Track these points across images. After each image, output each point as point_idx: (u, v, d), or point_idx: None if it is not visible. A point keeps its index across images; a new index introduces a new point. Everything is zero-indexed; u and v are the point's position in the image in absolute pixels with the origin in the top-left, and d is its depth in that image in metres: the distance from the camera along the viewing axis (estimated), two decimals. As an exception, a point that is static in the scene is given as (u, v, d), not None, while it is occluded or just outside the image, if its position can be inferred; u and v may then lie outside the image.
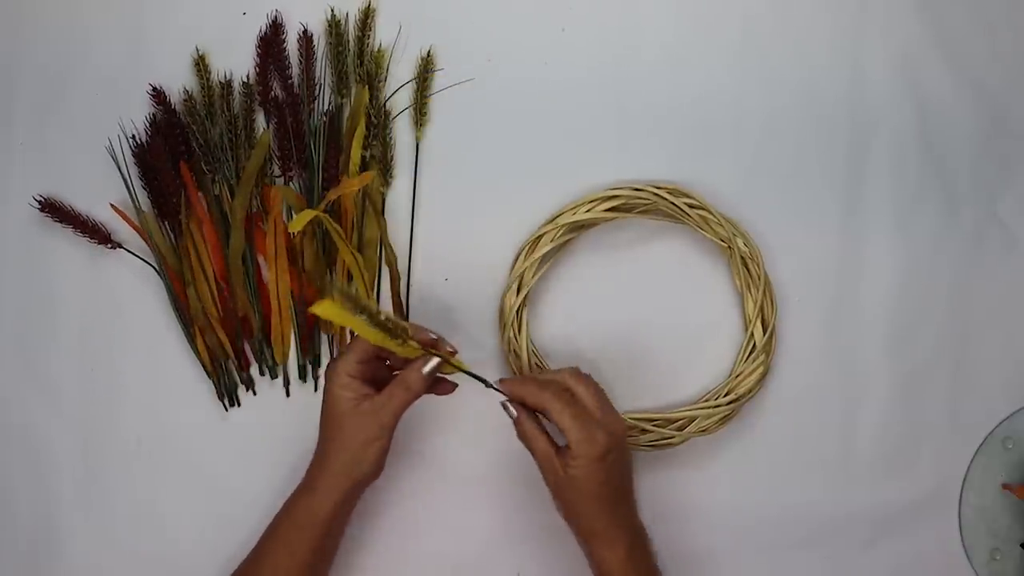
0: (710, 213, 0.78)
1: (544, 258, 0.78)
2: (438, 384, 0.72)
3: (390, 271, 0.80)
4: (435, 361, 0.69)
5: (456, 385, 0.72)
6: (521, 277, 0.78)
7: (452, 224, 0.81)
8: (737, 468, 0.81)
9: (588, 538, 0.70)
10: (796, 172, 0.82)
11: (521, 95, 0.82)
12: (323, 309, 0.63)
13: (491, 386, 0.70)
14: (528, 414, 0.70)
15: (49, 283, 0.81)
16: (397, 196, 0.82)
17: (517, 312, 0.78)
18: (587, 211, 0.78)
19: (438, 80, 0.82)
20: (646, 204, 0.79)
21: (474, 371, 0.70)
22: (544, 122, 0.82)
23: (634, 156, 0.82)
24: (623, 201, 0.78)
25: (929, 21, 0.83)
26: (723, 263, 0.82)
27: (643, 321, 0.81)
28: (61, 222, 0.79)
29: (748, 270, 0.79)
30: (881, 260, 0.82)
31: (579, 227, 0.80)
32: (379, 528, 0.80)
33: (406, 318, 0.81)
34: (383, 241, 0.80)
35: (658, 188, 0.78)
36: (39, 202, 0.79)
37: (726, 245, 0.79)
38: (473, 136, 0.82)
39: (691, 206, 0.78)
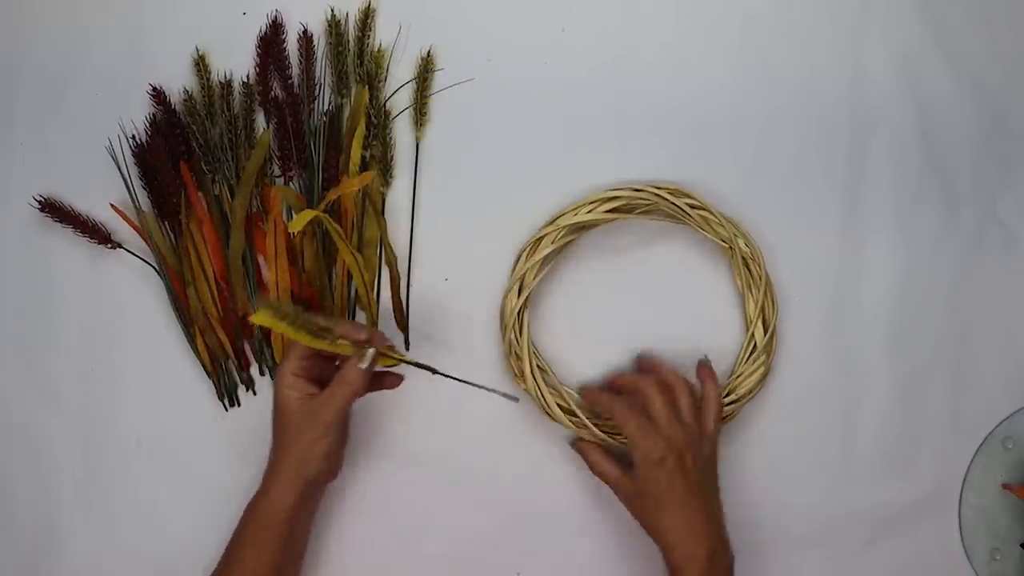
0: (711, 214, 0.78)
1: (545, 260, 0.78)
2: (383, 378, 0.74)
3: (390, 271, 0.80)
4: (370, 355, 0.70)
5: (402, 378, 0.74)
6: (522, 279, 0.78)
7: (452, 224, 0.81)
8: (737, 468, 0.81)
9: (667, 550, 0.72)
10: (796, 172, 0.82)
11: (521, 95, 0.82)
12: (259, 318, 0.67)
13: (438, 372, 0.72)
14: (594, 446, 0.77)
15: (49, 283, 0.81)
16: (397, 196, 0.82)
17: (518, 314, 0.78)
18: (588, 212, 0.78)
19: (438, 80, 0.82)
20: (647, 205, 0.79)
21: (420, 360, 0.72)
22: (544, 122, 0.82)
23: (634, 156, 0.82)
24: (624, 202, 0.78)
25: (929, 21, 0.83)
26: (724, 264, 0.82)
27: (644, 322, 0.81)
28: (61, 222, 0.79)
29: (749, 270, 0.79)
30: (881, 260, 0.82)
31: (580, 228, 0.79)
32: (379, 528, 0.80)
33: (406, 318, 0.81)
34: (383, 241, 0.80)
35: (659, 188, 0.78)
36: (39, 202, 0.79)
37: (727, 246, 0.78)
38: (473, 136, 0.82)
39: (692, 206, 0.78)
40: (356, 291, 0.80)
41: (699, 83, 0.82)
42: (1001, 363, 0.83)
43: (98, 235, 0.79)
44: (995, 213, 0.83)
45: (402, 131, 0.82)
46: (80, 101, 0.81)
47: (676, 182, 0.80)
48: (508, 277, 0.80)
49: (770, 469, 0.82)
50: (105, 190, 0.80)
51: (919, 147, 0.83)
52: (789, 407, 0.82)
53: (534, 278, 0.78)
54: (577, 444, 0.78)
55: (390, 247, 0.80)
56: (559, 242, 0.78)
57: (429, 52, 0.81)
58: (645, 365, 0.79)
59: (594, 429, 0.77)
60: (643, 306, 0.81)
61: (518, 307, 0.78)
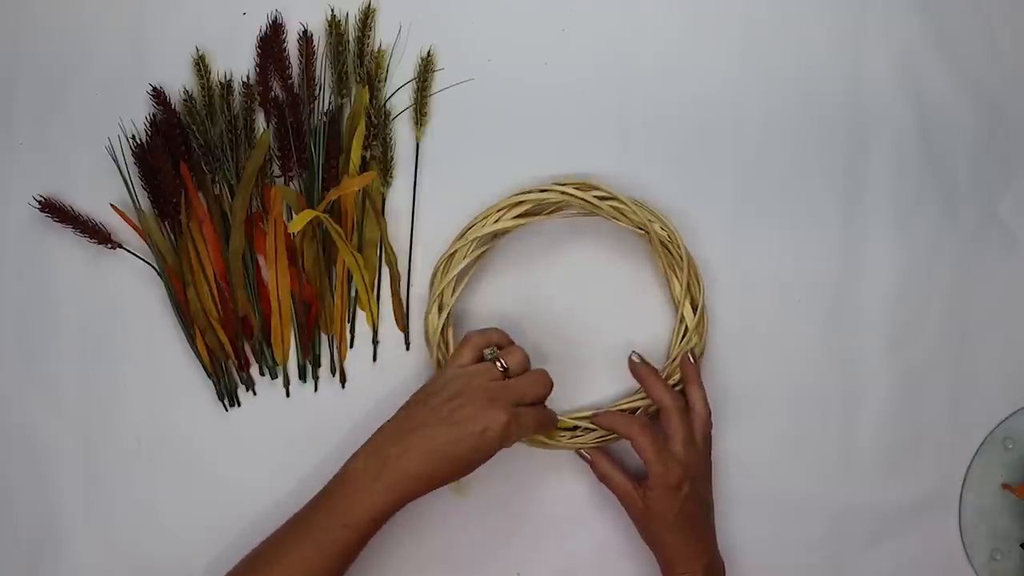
0: (622, 202, 0.77)
1: (460, 275, 0.78)
2: None
3: (390, 271, 0.80)
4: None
5: None
6: (441, 296, 0.78)
7: (452, 224, 0.81)
8: (736, 468, 0.81)
9: (667, 565, 0.74)
10: (796, 172, 0.82)
11: (521, 95, 0.82)
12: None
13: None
14: (601, 454, 0.76)
15: (49, 283, 0.81)
16: (397, 196, 0.82)
17: (442, 332, 0.77)
18: (496, 221, 0.77)
19: (438, 80, 0.82)
20: (556, 203, 0.78)
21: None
22: (544, 122, 0.82)
23: (634, 156, 0.82)
24: (532, 204, 0.78)
25: (929, 21, 0.83)
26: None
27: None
28: (61, 222, 0.79)
29: (670, 252, 0.78)
30: (881, 260, 0.82)
31: (493, 237, 0.79)
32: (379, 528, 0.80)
33: (407, 318, 0.81)
34: (383, 241, 0.80)
35: (564, 185, 0.77)
36: (39, 202, 0.79)
37: (643, 231, 0.78)
38: (473, 136, 0.82)
39: (602, 198, 0.77)
40: (356, 291, 0.81)
41: (699, 83, 0.82)
42: (1001, 363, 0.83)
43: (98, 235, 0.79)
44: (995, 213, 0.83)
45: (402, 131, 0.82)
46: (80, 101, 0.81)
47: (674, 181, 0.80)
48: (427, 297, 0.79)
49: (770, 469, 0.81)
50: (105, 190, 0.80)
51: (919, 147, 0.83)
52: (788, 407, 0.82)
53: (452, 295, 0.77)
54: (586, 452, 0.77)
55: (390, 247, 0.80)
56: (471, 255, 0.77)
57: (429, 52, 0.81)
58: (643, 373, 0.76)
59: (541, 438, 0.77)
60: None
61: (440, 325, 0.77)
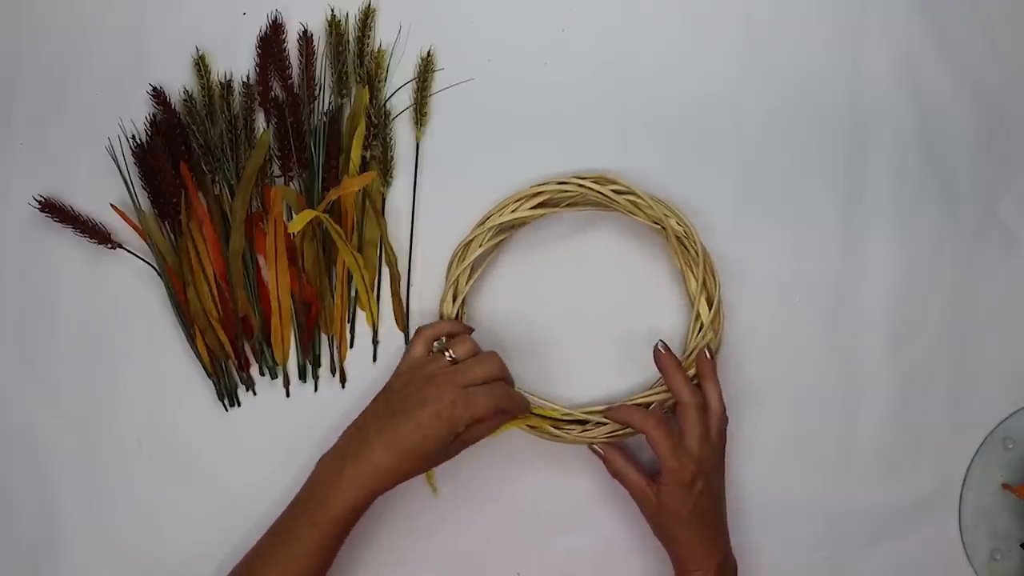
0: (639, 197, 0.77)
1: (476, 262, 0.78)
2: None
3: (390, 271, 0.80)
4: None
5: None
6: (456, 283, 0.78)
7: (452, 224, 0.81)
8: (736, 468, 0.81)
9: (680, 561, 0.74)
10: (796, 172, 0.82)
11: (521, 95, 0.82)
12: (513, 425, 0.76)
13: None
14: (615, 450, 0.76)
15: (49, 283, 0.81)
16: (397, 196, 0.82)
17: (456, 319, 0.78)
18: (513, 211, 0.78)
19: (438, 80, 0.82)
20: (573, 196, 0.78)
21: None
22: (544, 122, 0.82)
23: (634, 156, 0.82)
24: (549, 196, 0.78)
25: (929, 21, 0.83)
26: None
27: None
28: (61, 222, 0.79)
29: (686, 248, 0.78)
30: (881, 260, 0.82)
31: (510, 227, 0.79)
32: (379, 527, 0.80)
33: (407, 318, 0.81)
34: (383, 241, 0.80)
35: (583, 179, 0.77)
36: (39, 202, 0.79)
37: (660, 226, 0.78)
38: (473, 136, 0.82)
39: (619, 192, 0.77)
40: (356, 291, 0.81)
41: (699, 83, 0.82)
42: (1001, 363, 0.83)
43: (98, 235, 0.79)
44: (995, 213, 0.83)
45: (402, 131, 0.82)
46: (80, 101, 0.81)
47: (675, 181, 0.80)
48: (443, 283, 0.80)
49: (770, 469, 0.82)
50: (105, 190, 0.80)
51: (919, 147, 0.83)
52: (788, 407, 0.82)
53: (467, 282, 0.78)
54: (599, 448, 0.77)
55: (390, 247, 0.80)
56: (487, 244, 0.78)
57: (429, 52, 0.81)
58: (667, 364, 0.75)
59: (550, 428, 0.77)
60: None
61: (455, 312, 0.78)
